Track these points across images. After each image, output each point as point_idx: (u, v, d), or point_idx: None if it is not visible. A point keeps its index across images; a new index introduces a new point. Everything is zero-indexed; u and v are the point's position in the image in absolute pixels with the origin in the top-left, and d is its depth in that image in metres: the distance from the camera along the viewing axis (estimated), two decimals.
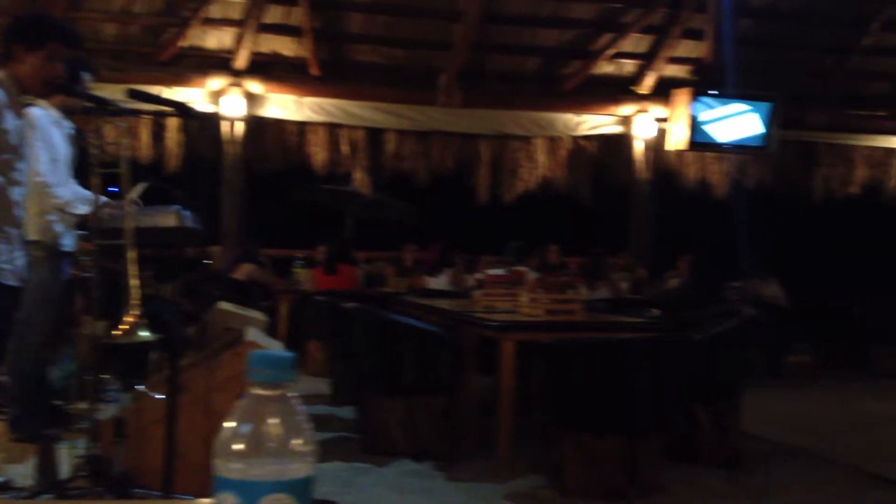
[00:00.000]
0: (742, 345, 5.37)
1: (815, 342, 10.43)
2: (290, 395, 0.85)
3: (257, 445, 0.82)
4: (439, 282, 8.61)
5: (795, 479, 4.84)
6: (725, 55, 10.21)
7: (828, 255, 11.90)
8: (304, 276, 9.11)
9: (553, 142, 10.51)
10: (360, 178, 10.05)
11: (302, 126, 9.84)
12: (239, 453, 0.81)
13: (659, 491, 4.38)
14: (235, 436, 0.82)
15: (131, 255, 3.31)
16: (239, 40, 9.16)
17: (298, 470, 0.83)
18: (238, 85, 9.32)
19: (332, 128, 9.90)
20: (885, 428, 6.51)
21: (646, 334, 4.90)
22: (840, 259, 11.82)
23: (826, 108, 10.81)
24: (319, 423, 5.91)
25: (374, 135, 10.09)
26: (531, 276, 5.90)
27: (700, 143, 10.31)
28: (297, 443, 0.83)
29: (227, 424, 0.83)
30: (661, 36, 10.06)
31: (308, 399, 6.66)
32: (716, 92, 10.18)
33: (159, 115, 9.13)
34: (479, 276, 6.36)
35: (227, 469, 0.82)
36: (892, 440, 6.07)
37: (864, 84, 11.13)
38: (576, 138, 10.54)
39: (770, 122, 10.33)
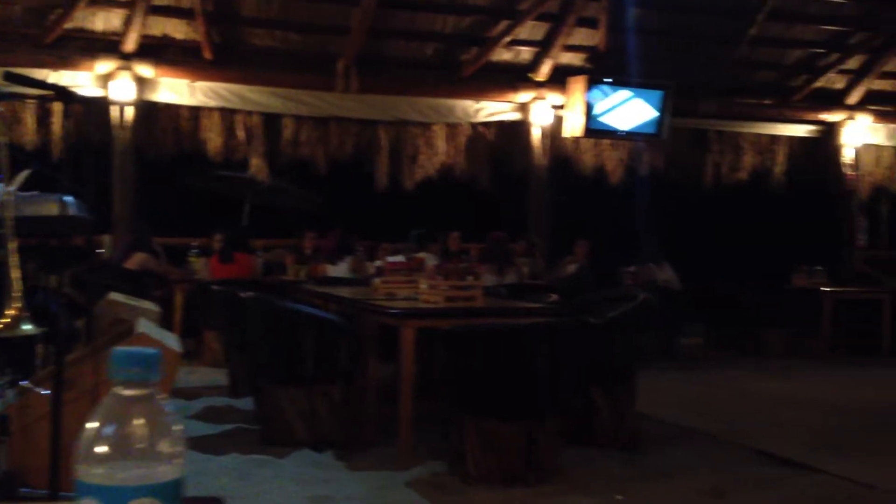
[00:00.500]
0: (637, 328, 5.47)
1: (707, 325, 10.79)
2: (156, 394, 0.79)
3: (122, 448, 0.76)
4: (339, 269, 8.53)
5: (690, 460, 4.97)
6: (619, 44, 10.40)
7: (718, 240, 12.27)
8: (200, 265, 8.91)
9: (452, 128, 10.52)
10: (256, 165, 9.87)
11: (195, 111, 9.59)
12: (102, 457, 0.76)
13: (557, 474, 4.43)
14: (98, 438, 0.76)
15: (12, 244, 3.14)
16: (128, 22, 8.85)
17: (166, 473, 0.77)
18: (127, 68, 9.01)
19: (226, 113, 9.68)
20: (773, 407, 6.75)
21: (544, 319, 4.94)
22: (730, 244, 12.20)
23: (716, 97, 11.12)
24: (217, 414, 5.79)
25: (271, 120, 9.91)
26: (431, 262, 5.89)
27: (595, 130, 10.48)
28: (164, 444, 0.78)
29: (88, 426, 0.77)
30: (556, 24, 10.16)
31: (205, 391, 6.52)
32: (610, 80, 10.35)
33: (42, 100, 8.77)
34: (378, 263, 6.31)
35: (90, 474, 0.76)
36: (779, 419, 6.29)
37: (752, 73, 11.48)
38: (474, 125, 10.57)
39: (662, 109, 10.57)
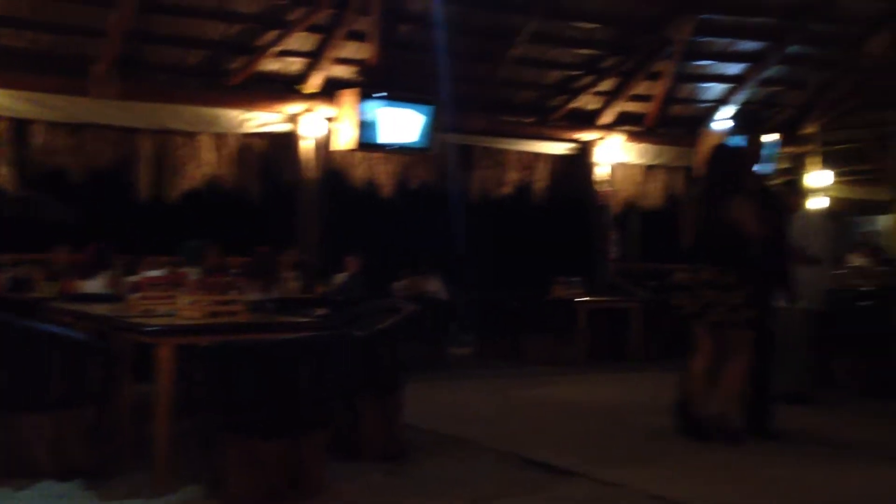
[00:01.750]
0: (405, 339, 5.50)
1: (475, 335, 11.10)
2: None
3: None
4: (95, 285, 8.00)
5: (457, 468, 5.04)
6: (390, 58, 10.52)
7: (486, 252, 12.69)
8: None
9: (219, 138, 10.22)
10: (3, 174, 9.13)
11: None
12: None
13: (323, 490, 4.36)
14: None
15: None
16: None
17: None
18: None
19: None
20: (536, 412, 7.02)
21: (309, 333, 4.85)
22: (497, 256, 12.64)
23: (482, 114, 11.49)
24: None
25: (20, 126, 9.20)
26: (193, 276, 5.65)
27: (367, 143, 10.52)
28: None
29: None
30: (327, 36, 10.13)
31: None
32: (382, 94, 10.43)
33: None
34: (135, 278, 5.98)
35: None
36: (540, 424, 6.54)
37: (515, 92, 11.95)
38: (243, 135, 10.32)
39: (431, 125, 10.78)
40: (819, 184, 14.06)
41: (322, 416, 4.44)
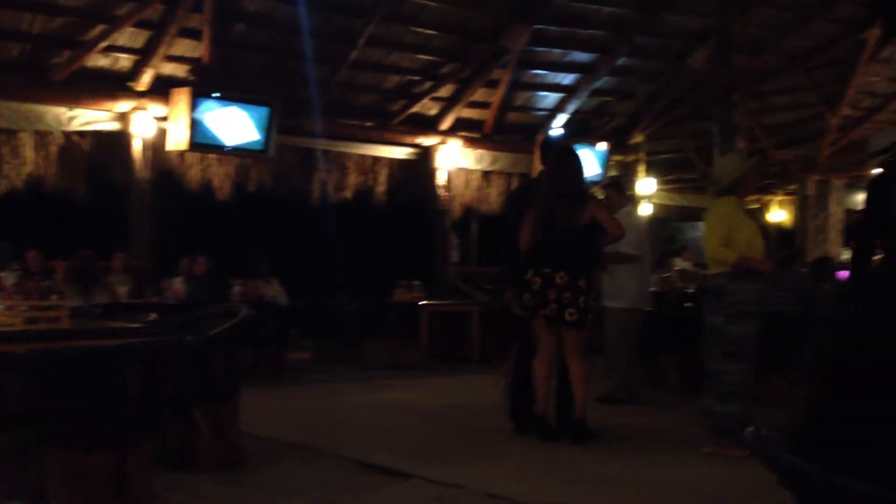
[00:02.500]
0: (241, 345, 5.36)
1: (315, 339, 10.97)
2: None
3: None
4: None
5: (295, 475, 4.96)
6: (225, 57, 10.26)
7: (326, 255, 12.57)
8: None
9: (42, 136, 9.68)
10: None
11: None
12: None
13: (151, 502, 4.17)
14: None
15: None
16: None
17: None
18: None
19: None
20: (376, 417, 6.99)
21: (136, 339, 4.64)
22: (338, 259, 12.55)
23: (322, 117, 11.37)
24: None
25: None
26: (9, 280, 5.31)
27: (201, 144, 10.21)
28: None
29: None
30: (157, 32, 9.77)
31: None
32: (217, 94, 10.15)
33: None
34: None
35: None
36: (381, 428, 6.52)
37: (355, 95, 11.91)
38: (68, 133, 9.80)
39: (269, 126, 10.57)
40: (645, 191, 14.75)
41: (150, 425, 4.25)
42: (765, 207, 18.20)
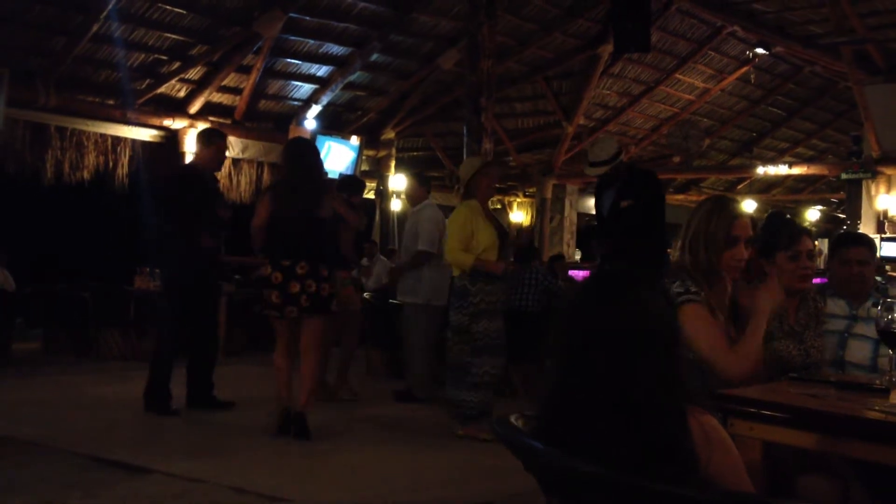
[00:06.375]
0: None
1: (45, 328, 10.25)
2: None
3: None
4: None
5: (20, 473, 4.64)
6: None
7: (60, 239, 11.80)
8: None
9: None
10: None
11: None
12: None
13: None
14: None
15: None
16: None
17: None
18: None
19: None
20: (110, 410, 6.64)
21: None
22: (73, 244, 11.82)
23: (57, 91, 10.62)
24: None
25: None
26: None
27: None
28: None
29: None
30: None
31: None
32: None
33: None
34: None
35: None
36: (116, 422, 6.21)
37: (95, 71, 11.21)
38: None
39: None
40: (398, 186, 15.05)
41: None
42: (508, 208, 19.17)
